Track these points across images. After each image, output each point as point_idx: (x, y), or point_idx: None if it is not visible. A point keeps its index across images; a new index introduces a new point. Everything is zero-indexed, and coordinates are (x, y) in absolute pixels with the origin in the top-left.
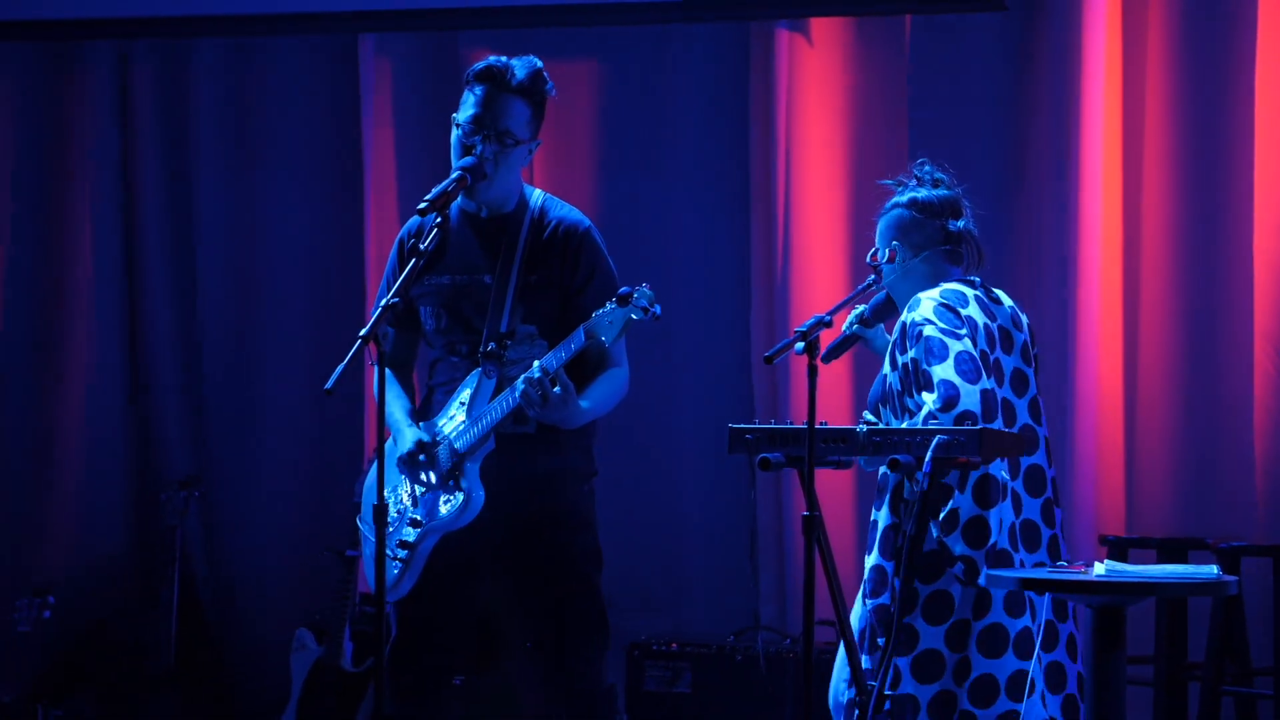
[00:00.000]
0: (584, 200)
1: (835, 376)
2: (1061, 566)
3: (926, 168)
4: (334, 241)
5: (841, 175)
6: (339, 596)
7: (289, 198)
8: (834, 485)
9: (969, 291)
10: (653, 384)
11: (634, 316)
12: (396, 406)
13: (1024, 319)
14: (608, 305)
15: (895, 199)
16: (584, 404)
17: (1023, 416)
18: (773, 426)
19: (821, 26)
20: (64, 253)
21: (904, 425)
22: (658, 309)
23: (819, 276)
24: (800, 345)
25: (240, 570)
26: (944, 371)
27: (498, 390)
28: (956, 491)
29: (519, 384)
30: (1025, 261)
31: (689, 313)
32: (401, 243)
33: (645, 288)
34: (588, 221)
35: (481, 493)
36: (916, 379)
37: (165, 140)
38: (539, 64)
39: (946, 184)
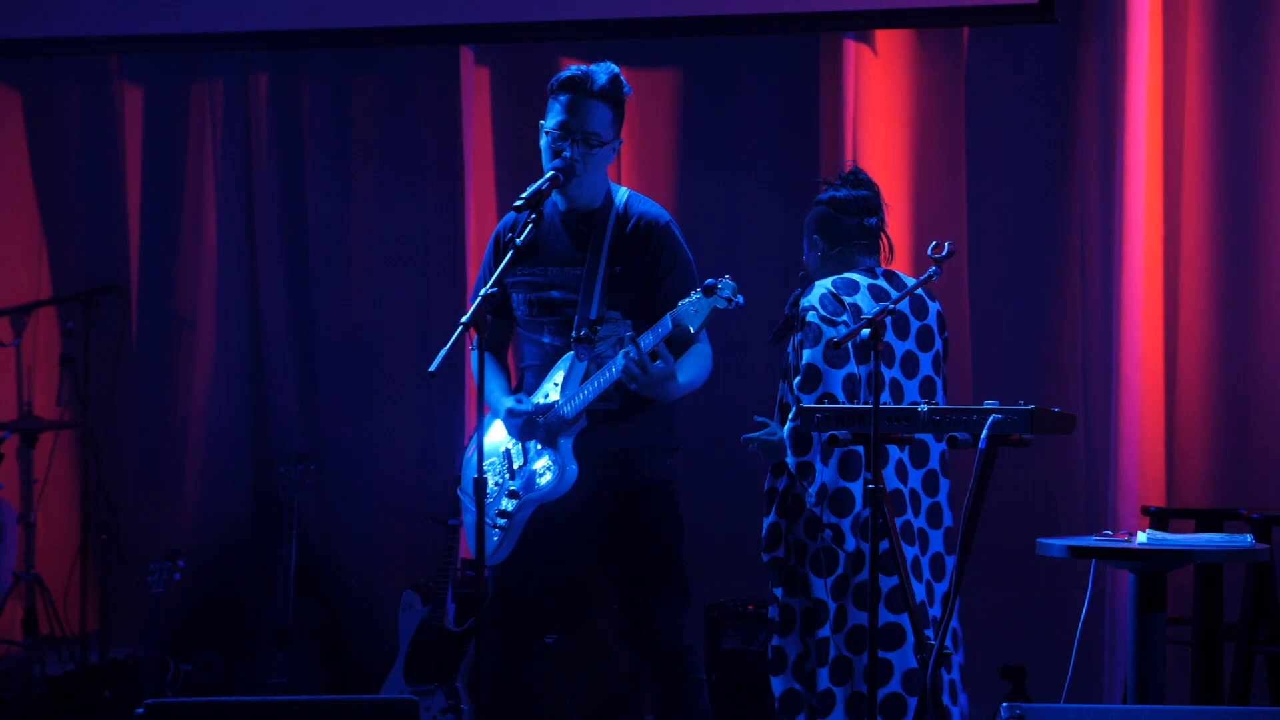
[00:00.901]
0: (665, 198)
1: None
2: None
3: (853, 170)
4: (435, 235)
5: (904, 174)
6: (443, 562)
7: (394, 195)
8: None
9: (863, 280)
10: (730, 367)
11: (718, 306)
12: (495, 386)
13: (932, 307)
14: (693, 295)
15: (819, 197)
16: (681, 380)
17: (911, 395)
18: (841, 407)
19: (886, 38)
20: (192, 245)
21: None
22: (740, 299)
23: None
24: (866, 331)
25: (352, 537)
26: (812, 355)
27: (588, 373)
28: (819, 465)
29: (620, 359)
30: (1074, 254)
31: (763, 301)
32: (498, 237)
33: (728, 279)
34: (668, 216)
35: (575, 467)
36: (797, 359)
37: (281, 142)
38: (616, 69)
39: (866, 185)
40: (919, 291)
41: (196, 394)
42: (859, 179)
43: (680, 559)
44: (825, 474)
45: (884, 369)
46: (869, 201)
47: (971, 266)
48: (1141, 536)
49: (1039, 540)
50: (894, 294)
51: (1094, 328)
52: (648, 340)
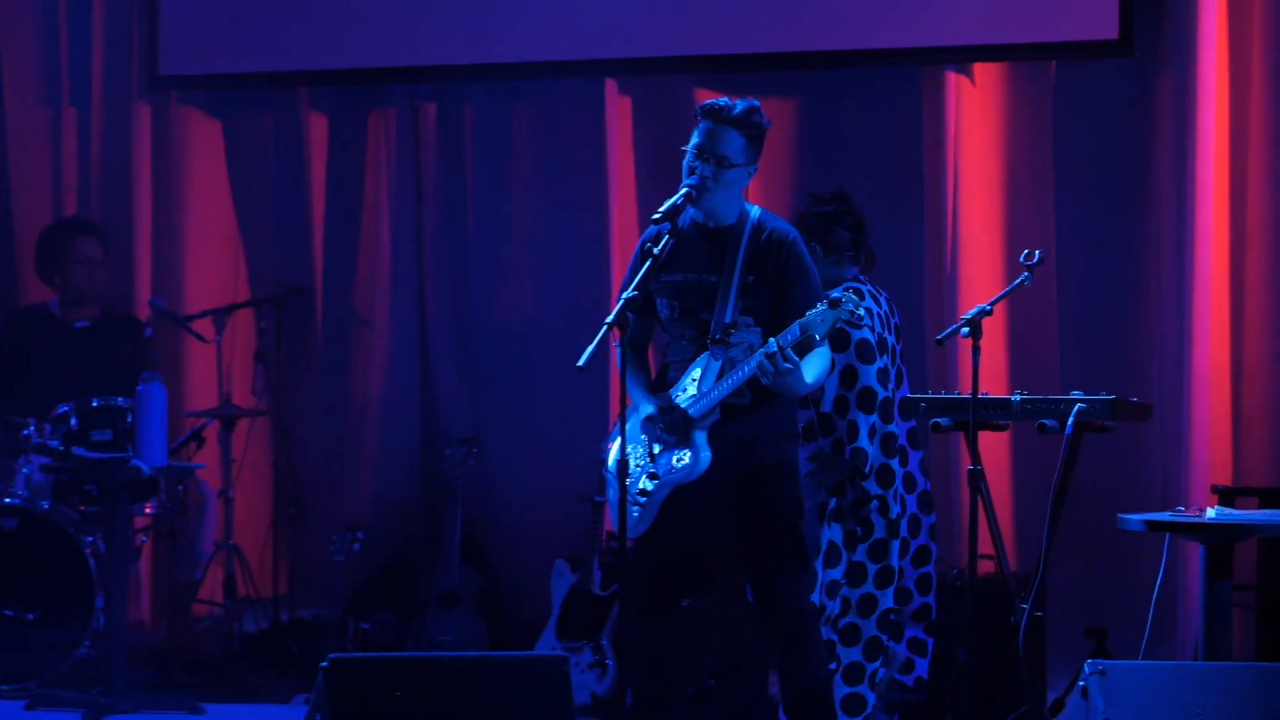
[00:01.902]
0: (786, 212)
1: (993, 355)
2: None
3: (839, 191)
4: (582, 245)
5: (998, 191)
6: (589, 534)
7: (546, 209)
8: (993, 445)
9: (864, 289)
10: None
11: (841, 317)
12: (636, 380)
13: (895, 312)
14: (819, 306)
15: (815, 210)
16: (807, 378)
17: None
18: (942, 396)
19: (983, 70)
20: (369, 253)
21: None
22: (861, 311)
23: (980, 273)
24: (965, 330)
25: (509, 512)
26: (846, 357)
27: (723, 370)
28: (867, 444)
29: (754, 359)
30: (1150, 261)
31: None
32: (641, 246)
33: (851, 294)
34: (795, 232)
35: (709, 453)
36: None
37: (446, 163)
38: (756, 103)
39: (850, 203)
40: (884, 295)
41: (373, 384)
42: (844, 195)
43: (801, 532)
44: (872, 453)
45: (887, 362)
46: (855, 218)
47: (1059, 273)
48: (1211, 512)
49: (1120, 516)
50: (882, 299)
51: (1168, 326)
52: (783, 339)
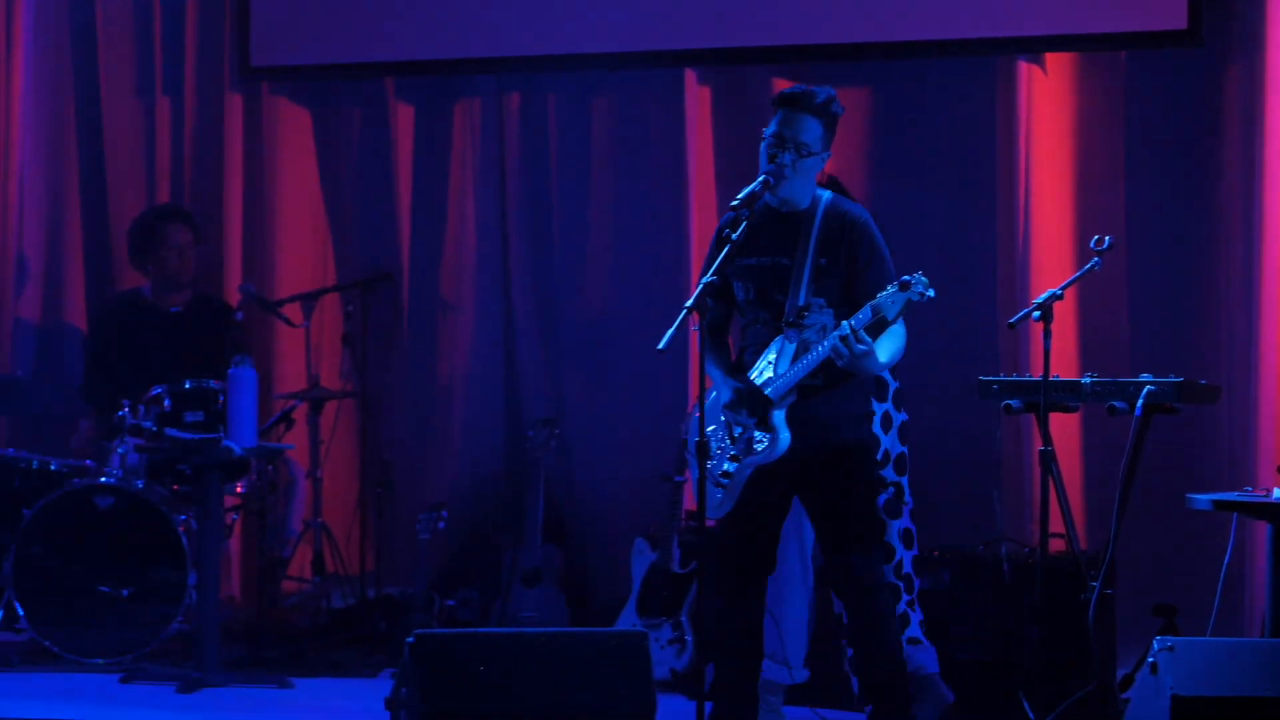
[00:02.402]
0: (860, 199)
1: (1064, 338)
2: None
3: (833, 178)
4: (661, 231)
5: (1069, 178)
6: (669, 513)
7: (625, 196)
8: (1064, 426)
9: None
10: (916, 345)
11: (912, 299)
12: (715, 362)
13: None
14: (891, 288)
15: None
16: (881, 358)
17: None
18: (1014, 379)
19: (1054, 60)
20: (454, 240)
21: None
22: (930, 293)
23: (1051, 259)
24: (1037, 314)
25: (590, 491)
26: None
27: (797, 352)
28: (882, 434)
29: (828, 341)
30: (1219, 247)
31: (945, 289)
32: (720, 232)
33: (921, 275)
34: (867, 215)
35: (788, 435)
36: None
37: (529, 151)
38: (832, 92)
39: (847, 193)
40: None
41: (458, 368)
42: (838, 182)
43: (876, 510)
44: (886, 441)
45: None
46: (854, 202)
47: (1129, 258)
48: (1277, 492)
49: (1188, 495)
50: None
51: (1236, 310)
52: (856, 322)
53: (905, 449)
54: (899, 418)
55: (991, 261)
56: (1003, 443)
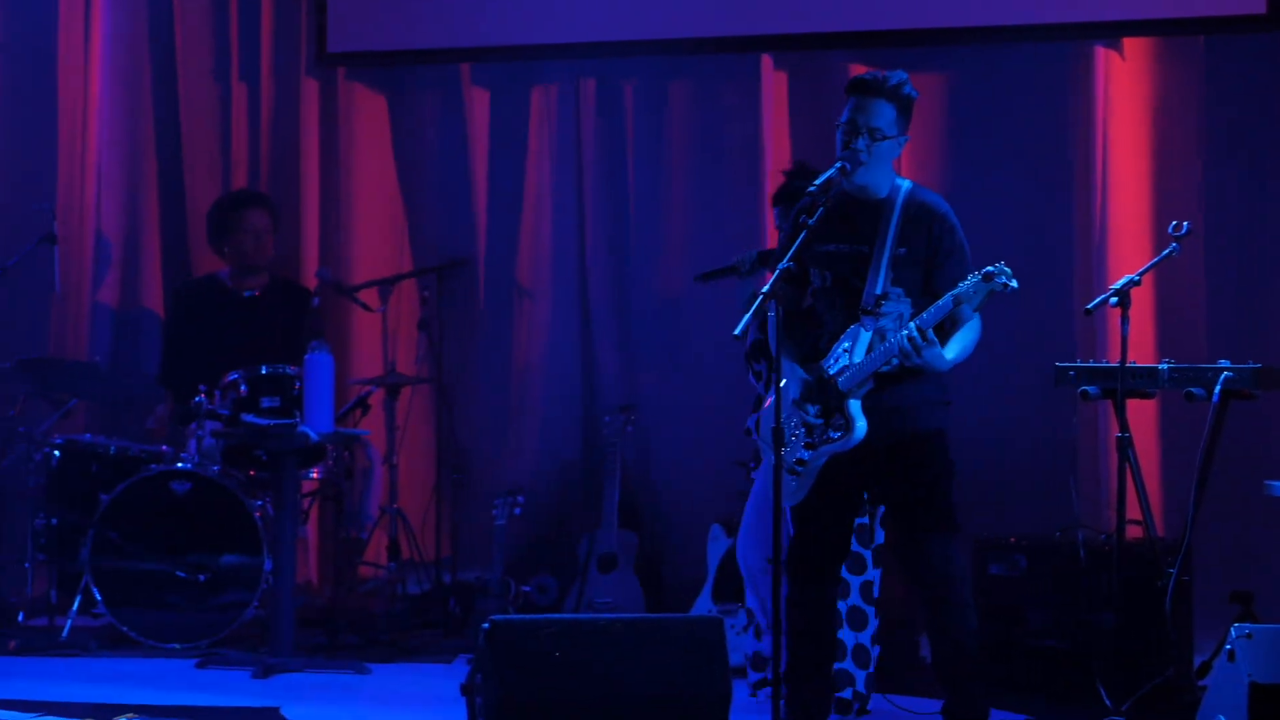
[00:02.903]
0: (936, 186)
1: (1141, 324)
2: None
3: (801, 163)
4: (736, 216)
5: (1147, 163)
6: (746, 499)
7: (699, 182)
8: (1141, 412)
9: None
10: (992, 331)
11: (995, 289)
12: (789, 350)
13: None
14: (972, 278)
15: (802, 186)
16: (949, 354)
17: None
18: (1091, 365)
19: (1132, 45)
20: (531, 226)
21: None
22: (1014, 284)
23: (1128, 244)
24: (1114, 300)
25: (665, 478)
26: None
27: (873, 341)
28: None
29: (900, 337)
30: None
31: (1022, 275)
32: (795, 218)
33: (1003, 264)
34: (947, 205)
35: (864, 423)
36: None
37: (606, 137)
38: (904, 75)
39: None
40: None
41: (534, 354)
42: (807, 167)
43: (952, 498)
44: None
45: None
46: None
47: (1207, 244)
48: None
49: (1266, 482)
50: None
51: None
52: (930, 315)
53: None
54: None
55: (1068, 247)
56: (1079, 429)
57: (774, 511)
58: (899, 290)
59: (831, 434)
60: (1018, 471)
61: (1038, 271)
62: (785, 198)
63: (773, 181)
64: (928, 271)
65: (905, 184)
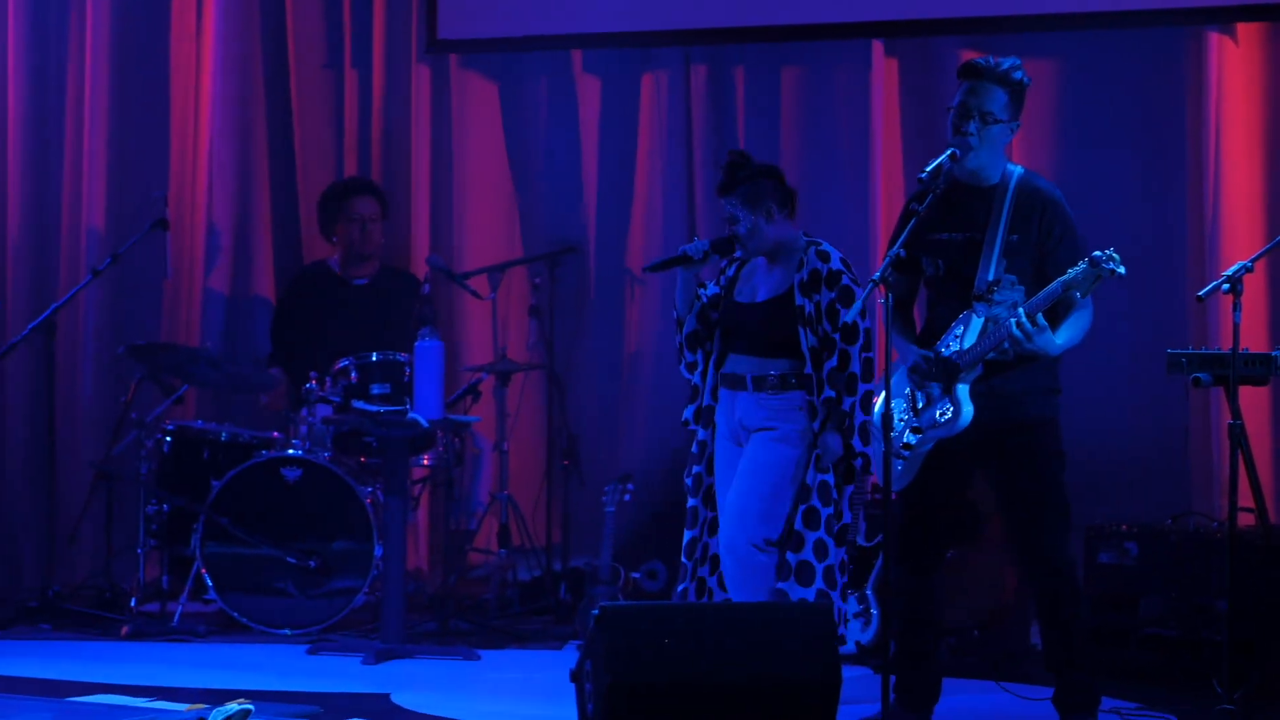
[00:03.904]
0: (1046, 172)
1: (1254, 311)
2: None
3: (741, 153)
4: (844, 202)
5: (1260, 149)
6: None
7: (809, 169)
8: (1254, 400)
9: (826, 246)
10: (1104, 318)
11: (1103, 275)
12: (902, 334)
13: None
14: (1082, 264)
15: (752, 173)
16: (1059, 340)
17: None
18: (1203, 352)
19: (1246, 29)
20: (641, 212)
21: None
22: (1122, 269)
23: (1241, 230)
24: (1226, 286)
25: None
26: (855, 313)
27: (985, 327)
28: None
29: (1010, 323)
30: None
31: (1133, 261)
32: (907, 205)
33: (1112, 251)
34: (1059, 192)
35: (971, 408)
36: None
37: (716, 124)
38: (1016, 60)
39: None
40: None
41: (644, 341)
42: (747, 161)
43: (1063, 486)
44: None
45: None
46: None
47: None
48: None
49: None
50: None
51: None
52: (1040, 301)
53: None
54: (865, 386)
55: (1180, 234)
56: (1191, 416)
57: (884, 498)
58: (1011, 277)
59: (939, 419)
60: (1129, 459)
61: (1149, 258)
62: (729, 188)
63: (884, 167)
64: (1040, 258)
65: (1017, 170)
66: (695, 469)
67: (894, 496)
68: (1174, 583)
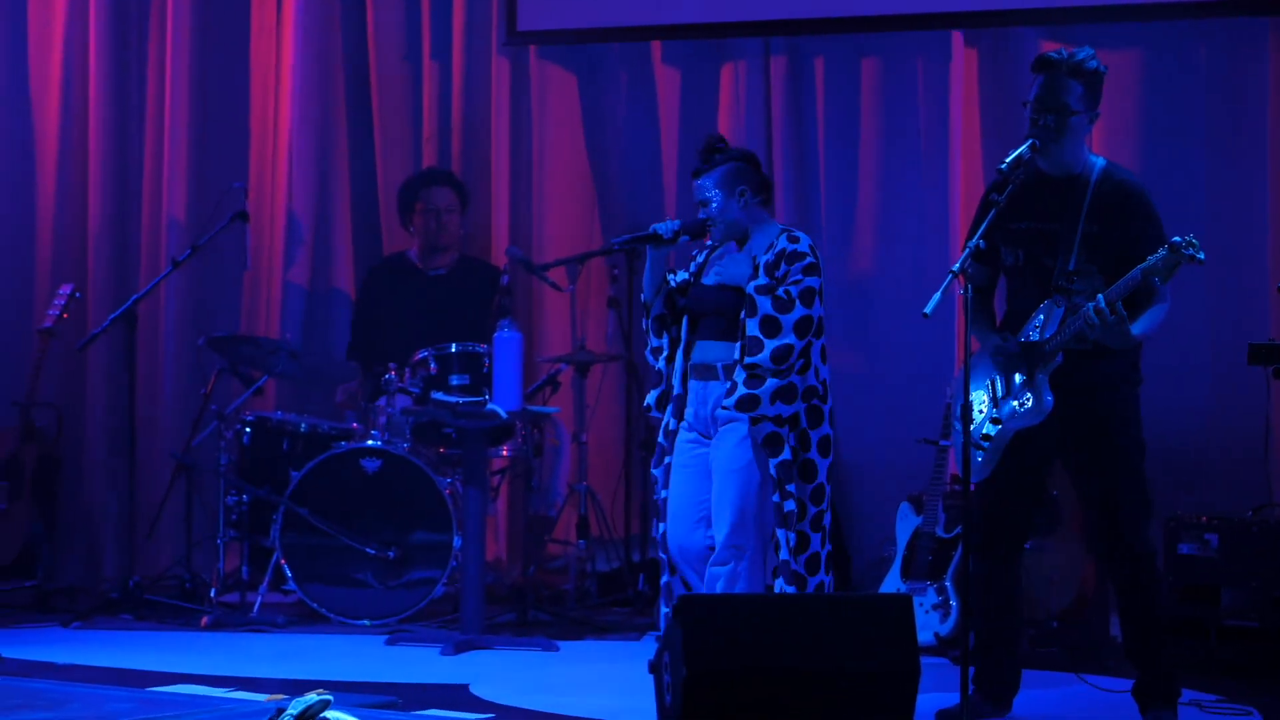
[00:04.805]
0: (1127, 162)
1: None
2: None
3: (720, 138)
4: (927, 196)
5: None
6: (934, 477)
7: (893, 161)
8: None
9: (799, 234)
10: (1184, 308)
11: (1182, 262)
12: (982, 324)
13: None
14: (1160, 252)
15: (733, 152)
16: (1137, 330)
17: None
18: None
19: None
20: None
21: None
22: (1201, 255)
23: None
24: None
25: (853, 455)
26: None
27: (1065, 318)
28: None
29: (1087, 311)
30: None
31: (1214, 252)
32: (986, 196)
33: (1192, 237)
34: (1141, 182)
35: (1050, 398)
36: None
37: (796, 116)
38: (1091, 51)
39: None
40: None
41: None
42: (721, 144)
43: (1144, 476)
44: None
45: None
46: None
47: None
48: None
49: None
50: None
51: None
52: (1118, 289)
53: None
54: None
55: (1262, 225)
56: (1271, 406)
57: (964, 489)
58: (1092, 268)
59: (1019, 409)
60: (1209, 450)
61: (1230, 249)
62: (703, 169)
63: (963, 158)
64: (1121, 249)
65: (1098, 161)
66: (667, 460)
67: (973, 487)
68: (1255, 574)
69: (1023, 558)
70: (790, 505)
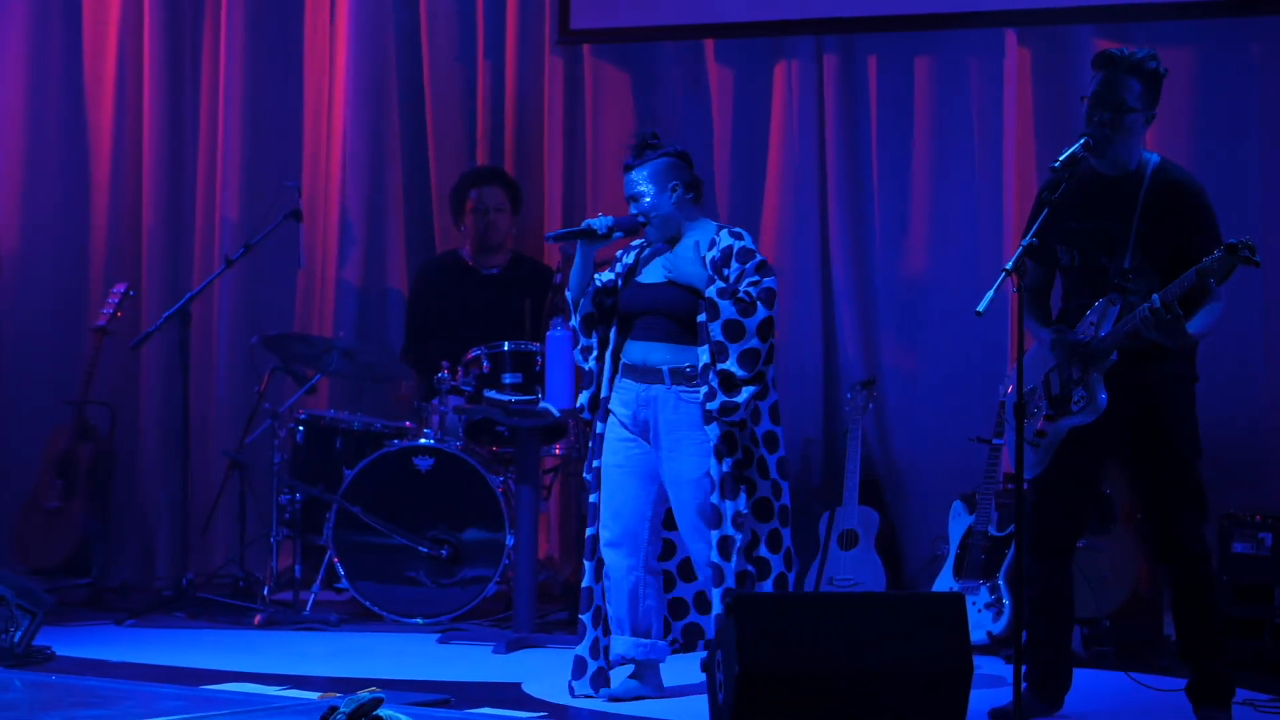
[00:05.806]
0: (1181, 159)
1: None
2: None
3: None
4: (979, 194)
5: None
6: (987, 475)
7: (944, 159)
8: None
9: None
10: (1239, 307)
11: (1238, 263)
12: (1037, 322)
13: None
14: (1217, 253)
15: (667, 149)
16: (1192, 329)
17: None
18: None
19: None
20: (772, 204)
21: None
22: (1257, 258)
23: None
24: None
25: (905, 454)
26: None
27: (1120, 315)
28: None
29: (1143, 310)
30: None
31: (1269, 250)
32: (1040, 195)
33: (1249, 240)
34: (1197, 181)
35: (1105, 396)
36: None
37: (848, 115)
38: (1151, 50)
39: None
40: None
41: (779, 328)
42: (656, 141)
43: (1198, 475)
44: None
45: None
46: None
47: None
48: None
49: None
50: None
51: None
52: (1174, 288)
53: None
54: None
55: None
56: None
57: (1017, 487)
58: (1147, 266)
59: (1073, 406)
60: (1264, 449)
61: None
62: (634, 164)
63: (1016, 157)
64: (1177, 248)
65: (1153, 158)
66: (595, 463)
67: (1026, 485)
68: None
69: (1075, 556)
70: (742, 505)
